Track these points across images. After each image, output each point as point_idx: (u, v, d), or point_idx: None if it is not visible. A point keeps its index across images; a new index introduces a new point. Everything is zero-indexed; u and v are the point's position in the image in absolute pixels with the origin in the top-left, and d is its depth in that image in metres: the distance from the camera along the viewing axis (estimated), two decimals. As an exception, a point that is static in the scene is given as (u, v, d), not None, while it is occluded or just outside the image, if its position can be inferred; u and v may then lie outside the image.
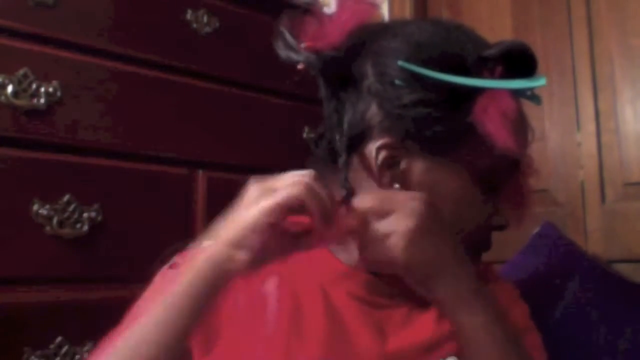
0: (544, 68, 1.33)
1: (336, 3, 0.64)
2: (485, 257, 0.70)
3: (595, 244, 1.20)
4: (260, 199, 0.50)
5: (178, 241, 1.03)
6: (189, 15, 1.22)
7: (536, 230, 1.07)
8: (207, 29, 1.24)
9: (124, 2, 1.13)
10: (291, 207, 0.50)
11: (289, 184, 0.50)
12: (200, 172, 1.19)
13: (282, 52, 0.63)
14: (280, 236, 0.52)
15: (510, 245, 1.03)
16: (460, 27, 0.66)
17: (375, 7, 0.66)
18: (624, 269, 1.07)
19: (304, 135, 1.35)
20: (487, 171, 0.61)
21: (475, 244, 0.63)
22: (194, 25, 1.22)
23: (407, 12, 1.64)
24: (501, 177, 0.63)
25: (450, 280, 0.53)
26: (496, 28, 1.44)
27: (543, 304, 0.96)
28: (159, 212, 1.12)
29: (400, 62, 0.58)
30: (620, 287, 0.98)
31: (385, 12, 1.68)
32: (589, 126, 1.25)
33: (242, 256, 0.50)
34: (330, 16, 0.63)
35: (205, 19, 1.24)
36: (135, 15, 1.14)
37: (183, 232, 1.15)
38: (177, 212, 1.15)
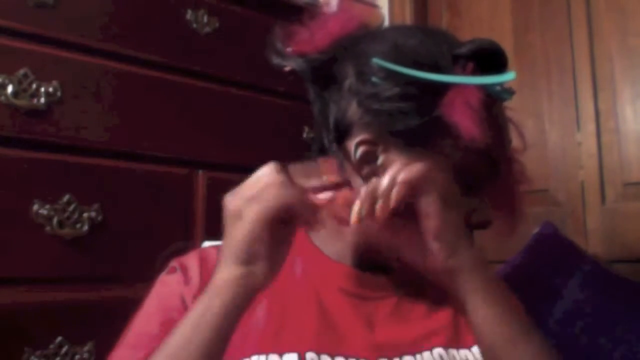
0: (544, 68, 1.33)
1: (324, 11, 0.68)
2: (486, 257, 0.70)
3: (595, 244, 1.20)
4: (246, 209, 0.52)
5: (178, 241, 1.03)
6: (189, 15, 1.22)
7: (536, 230, 1.08)
8: (207, 29, 1.24)
9: (124, 2, 1.13)
10: (279, 212, 0.52)
11: (267, 187, 0.52)
12: (200, 172, 1.19)
13: (274, 59, 0.68)
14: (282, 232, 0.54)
15: (510, 245, 1.04)
16: (438, 31, 0.71)
17: (363, 17, 0.70)
18: (624, 269, 1.07)
19: (304, 135, 1.36)
20: (465, 167, 0.62)
21: None
22: (194, 25, 1.22)
23: (407, 13, 1.64)
24: (481, 175, 0.64)
25: (469, 247, 0.56)
26: (496, 28, 1.45)
27: (543, 304, 0.96)
28: (159, 212, 1.12)
29: (375, 60, 0.61)
30: (620, 287, 0.98)
31: (385, 13, 1.68)
32: (589, 126, 1.25)
33: (260, 269, 0.53)
34: (318, 23, 0.67)
35: (205, 19, 1.24)
36: (135, 16, 1.14)
37: (183, 232, 1.15)
38: (177, 212, 1.15)
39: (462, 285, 0.56)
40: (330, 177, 0.56)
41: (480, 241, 0.69)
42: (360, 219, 0.55)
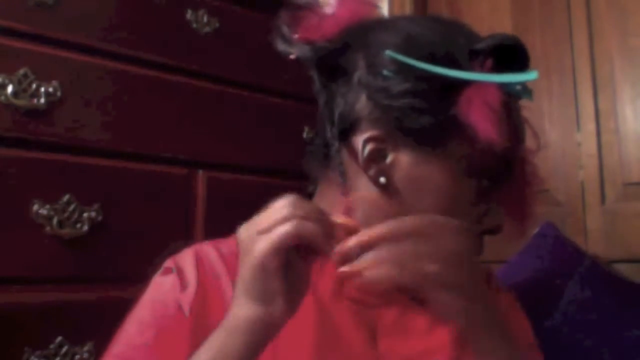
0: (544, 68, 1.33)
1: (335, 1, 0.65)
2: (486, 257, 0.70)
3: (595, 244, 1.20)
4: (256, 243, 0.48)
5: (178, 241, 1.03)
6: (189, 15, 1.22)
7: (536, 230, 1.07)
8: (207, 29, 1.24)
9: (124, 2, 1.13)
10: (290, 244, 0.48)
11: (278, 221, 0.48)
12: (200, 172, 1.19)
13: (279, 46, 0.63)
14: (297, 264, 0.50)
15: (510, 245, 1.03)
16: (455, 22, 0.66)
17: (374, 6, 0.66)
18: (624, 269, 1.07)
19: (304, 135, 1.35)
20: (478, 168, 0.59)
21: None
22: (194, 25, 1.22)
23: (407, 12, 1.64)
24: (494, 177, 0.61)
25: (479, 308, 0.51)
26: (496, 28, 1.43)
27: (543, 304, 0.96)
28: (159, 212, 1.12)
29: (388, 52, 0.58)
30: (620, 287, 0.98)
31: (385, 12, 1.68)
32: (589, 126, 1.25)
33: (279, 308, 0.49)
34: (327, 12, 0.64)
35: (205, 19, 1.24)
36: (135, 16, 1.14)
37: (183, 232, 1.15)
38: (177, 212, 1.15)
39: (473, 334, 0.51)
40: (343, 221, 0.50)
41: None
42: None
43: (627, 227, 1.17)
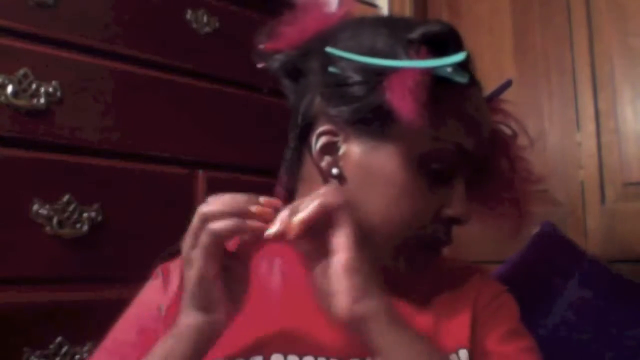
0: (544, 68, 1.33)
1: (300, 7, 0.70)
2: (486, 257, 0.70)
3: (595, 244, 1.20)
4: (192, 257, 0.53)
5: (178, 241, 1.03)
6: (189, 15, 1.22)
7: (536, 230, 1.08)
8: (207, 29, 1.24)
9: (124, 2, 1.13)
10: (219, 243, 0.53)
11: (197, 232, 0.54)
12: (200, 172, 1.19)
13: (254, 56, 0.69)
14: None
15: (510, 245, 1.04)
16: (405, 19, 0.70)
17: (337, 15, 0.69)
18: (624, 269, 1.07)
19: (304, 135, 1.35)
20: (429, 156, 0.60)
21: (430, 238, 0.62)
22: (194, 25, 1.22)
23: (407, 13, 1.64)
24: (448, 165, 0.61)
25: (379, 294, 0.52)
26: (496, 28, 1.45)
27: (542, 304, 0.96)
28: (159, 212, 1.12)
29: (327, 48, 0.61)
30: (620, 287, 0.98)
31: (385, 12, 1.68)
32: (589, 126, 1.25)
33: (221, 317, 0.54)
34: (294, 19, 0.68)
35: (205, 19, 1.24)
36: (135, 16, 1.14)
37: (183, 232, 1.14)
38: (177, 212, 1.15)
39: (370, 332, 0.51)
40: (265, 201, 0.54)
41: (480, 241, 0.69)
42: (275, 235, 0.52)
43: (626, 227, 1.17)
